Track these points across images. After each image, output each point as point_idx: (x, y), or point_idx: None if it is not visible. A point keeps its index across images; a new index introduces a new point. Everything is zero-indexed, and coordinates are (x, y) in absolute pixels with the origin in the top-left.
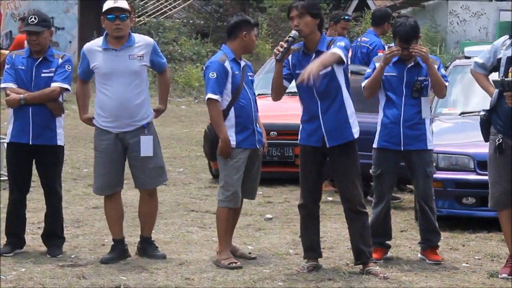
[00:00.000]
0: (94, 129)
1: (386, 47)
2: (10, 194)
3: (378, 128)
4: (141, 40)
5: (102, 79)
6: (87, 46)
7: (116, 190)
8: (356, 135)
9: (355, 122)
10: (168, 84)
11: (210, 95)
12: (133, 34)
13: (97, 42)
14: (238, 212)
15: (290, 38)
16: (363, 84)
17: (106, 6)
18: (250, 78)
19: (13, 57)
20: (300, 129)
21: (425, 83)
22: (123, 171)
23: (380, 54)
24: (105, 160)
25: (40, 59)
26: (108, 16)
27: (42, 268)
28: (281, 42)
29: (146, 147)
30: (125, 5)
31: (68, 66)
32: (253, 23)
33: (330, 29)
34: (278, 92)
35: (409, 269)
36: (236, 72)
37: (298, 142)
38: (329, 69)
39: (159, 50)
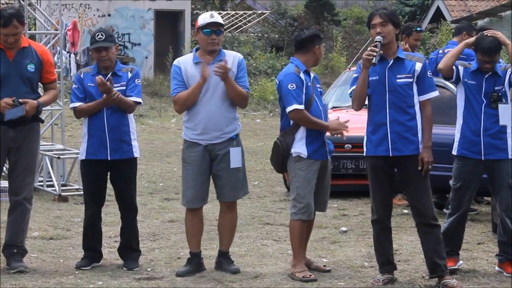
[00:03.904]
0: (183, 143)
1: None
2: (86, 209)
3: (458, 135)
4: (230, 54)
5: None
6: (179, 60)
7: (204, 203)
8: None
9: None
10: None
11: (296, 106)
12: (223, 49)
13: (188, 57)
14: (311, 225)
15: (378, 43)
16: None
17: (202, 20)
18: (319, 89)
19: (81, 75)
20: (365, 141)
21: (502, 91)
22: (209, 184)
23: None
24: (195, 172)
25: (109, 74)
26: (205, 30)
27: (118, 281)
28: (370, 47)
29: (235, 158)
30: (220, 20)
31: (138, 80)
32: (322, 36)
33: (403, 42)
34: (362, 100)
35: (486, 282)
36: (309, 84)
37: (364, 155)
38: (410, 79)
39: (245, 67)
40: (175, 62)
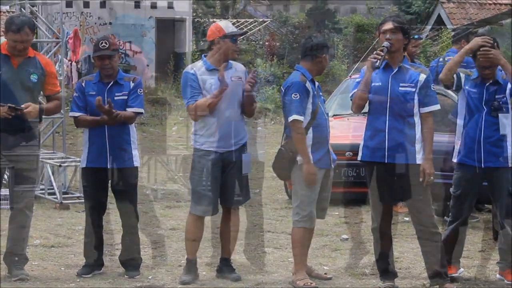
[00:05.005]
0: (193, 152)
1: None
2: (87, 216)
3: (458, 142)
4: (236, 65)
5: None
6: (192, 67)
7: (217, 211)
8: (420, 162)
9: (421, 151)
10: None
11: (296, 117)
12: None
13: (198, 64)
14: (311, 232)
15: (384, 48)
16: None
17: (230, 29)
18: (322, 98)
19: (83, 84)
20: (362, 146)
21: (503, 99)
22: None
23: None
24: (209, 180)
25: (111, 83)
26: (233, 39)
27: None
28: (376, 51)
29: (246, 165)
30: None
31: (140, 90)
32: (329, 46)
33: None
34: (361, 103)
35: None
36: (315, 92)
37: (359, 160)
38: (412, 89)
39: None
40: (189, 69)
